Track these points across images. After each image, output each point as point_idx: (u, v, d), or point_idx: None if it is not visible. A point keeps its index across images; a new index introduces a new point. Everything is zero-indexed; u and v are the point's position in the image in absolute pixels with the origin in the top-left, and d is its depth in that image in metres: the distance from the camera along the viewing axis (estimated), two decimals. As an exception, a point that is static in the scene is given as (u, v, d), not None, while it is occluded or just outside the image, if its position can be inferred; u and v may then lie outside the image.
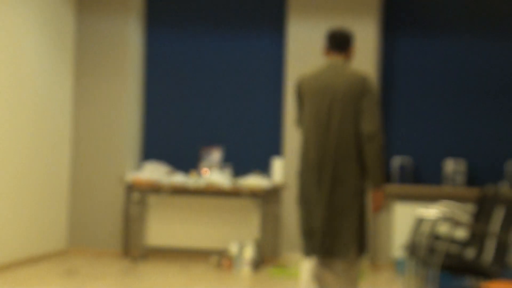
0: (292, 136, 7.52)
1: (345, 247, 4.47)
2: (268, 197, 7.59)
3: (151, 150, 7.95)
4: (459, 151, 7.55)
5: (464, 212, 6.32)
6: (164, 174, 7.53)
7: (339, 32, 4.66)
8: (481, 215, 5.85)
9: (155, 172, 7.51)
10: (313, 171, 4.52)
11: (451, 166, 7.37)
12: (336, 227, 4.49)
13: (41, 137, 7.19)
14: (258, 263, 7.12)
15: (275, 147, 7.73)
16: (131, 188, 7.53)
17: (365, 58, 7.37)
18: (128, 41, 7.74)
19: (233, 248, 7.01)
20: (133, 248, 7.69)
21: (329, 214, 4.49)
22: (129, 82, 7.76)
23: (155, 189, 7.51)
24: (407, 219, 7.17)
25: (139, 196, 7.73)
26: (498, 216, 5.41)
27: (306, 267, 4.61)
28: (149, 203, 7.66)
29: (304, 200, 4.58)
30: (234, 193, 7.48)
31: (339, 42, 4.65)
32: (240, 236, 7.48)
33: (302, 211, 4.59)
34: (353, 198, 4.50)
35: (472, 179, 7.48)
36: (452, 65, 7.61)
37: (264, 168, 7.67)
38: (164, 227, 7.61)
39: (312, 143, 4.54)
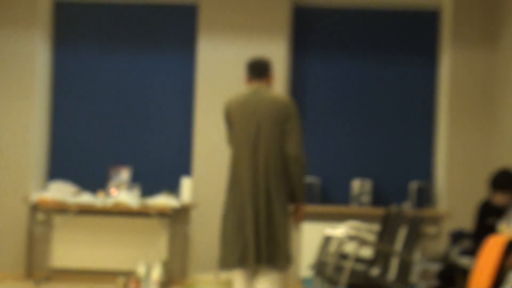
0: (201, 156, 7.51)
1: (280, 257, 4.82)
2: (177, 217, 7.54)
3: (58, 170, 7.79)
4: (366, 171, 7.70)
5: (370, 231, 6.44)
6: (71, 194, 7.38)
7: (258, 61, 5.03)
8: (386, 235, 5.97)
9: (61, 191, 7.36)
10: (247, 188, 4.85)
11: (358, 186, 7.52)
12: (273, 239, 4.82)
13: None
14: (166, 284, 7.06)
15: (184, 167, 7.70)
16: (35, 208, 7.34)
17: (275, 78, 7.45)
18: (35, 58, 7.59)
19: (141, 269, 6.92)
20: (37, 270, 7.50)
21: (265, 227, 4.81)
22: (35, 100, 7.60)
23: (61, 209, 7.35)
24: (314, 238, 7.25)
25: (44, 216, 7.55)
26: (401, 236, 5.54)
27: (237, 281, 4.77)
28: (54, 223, 7.49)
29: (236, 215, 4.88)
30: (142, 213, 7.40)
31: (259, 71, 5.02)
32: (148, 257, 7.40)
33: (233, 225, 4.88)
34: (283, 213, 4.86)
35: (378, 199, 7.64)
36: (358, 86, 7.77)
37: (173, 188, 7.63)
38: (70, 248, 7.45)
39: (244, 163, 4.88)
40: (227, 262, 4.86)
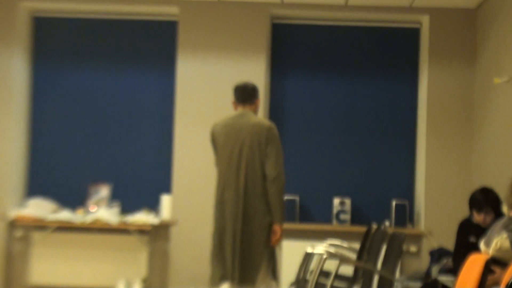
0: (181, 173, 7.49)
1: (254, 272, 5.16)
2: (157, 234, 7.50)
3: (37, 187, 7.73)
4: (346, 189, 7.71)
5: (350, 249, 6.44)
6: (49, 210, 7.32)
7: (245, 86, 5.41)
8: (367, 252, 5.98)
9: (39, 208, 7.29)
10: (229, 208, 5.20)
11: (338, 204, 7.52)
12: (246, 256, 5.16)
13: None
14: (145, 302, 7.01)
15: (164, 184, 7.67)
16: (13, 224, 7.27)
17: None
18: (13, 74, 7.54)
19: (120, 286, 6.87)
20: (15, 287, 7.41)
21: (241, 246, 5.15)
22: (13, 116, 7.54)
23: (40, 225, 7.29)
24: (295, 256, 7.23)
25: (22, 232, 7.48)
26: (382, 253, 5.55)
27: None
28: (33, 240, 7.42)
29: (219, 232, 5.24)
30: (121, 230, 7.36)
31: (245, 96, 5.39)
32: (127, 274, 7.34)
33: (216, 243, 5.25)
34: (259, 231, 5.19)
35: (358, 217, 7.64)
36: (338, 104, 7.79)
37: (153, 206, 7.59)
38: (48, 265, 7.38)
39: (227, 184, 5.21)
40: (213, 279, 5.23)
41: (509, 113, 6.22)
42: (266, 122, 5.39)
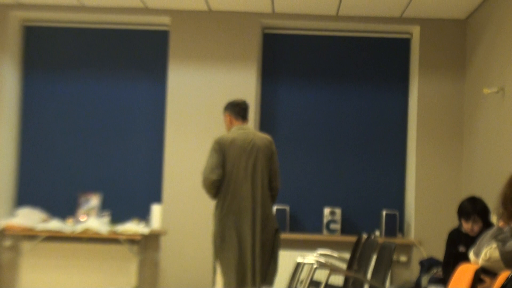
0: (171, 183, 7.48)
1: (273, 276, 5.56)
2: (147, 244, 7.48)
3: (27, 197, 7.70)
4: (337, 199, 7.71)
5: (340, 259, 6.44)
6: (39, 220, 7.29)
7: (244, 103, 5.77)
8: (357, 262, 5.98)
9: (29, 218, 7.26)
10: (247, 215, 5.49)
11: (328, 214, 7.52)
12: (267, 260, 5.53)
13: None
14: (135, 312, 6.98)
15: (154, 194, 7.65)
16: (2, 234, 7.24)
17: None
18: (4, 84, 7.52)
19: (110, 296, 6.84)
20: (3, 297, 7.37)
21: (261, 252, 5.47)
22: (3, 125, 7.52)
23: (29, 235, 7.25)
24: (285, 266, 7.22)
25: (11, 242, 7.44)
26: (371, 263, 5.55)
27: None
28: (22, 249, 7.38)
29: (236, 240, 5.47)
30: (111, 240, 7.33)
31: (245, 112, 5.77)
32: (117, 283, 7.31)
33: (234, 249, 5.46)
34: (271, 237, 5.58)
35: (349, 227, 7.65)
36: (329, 114, 7.81)
37: (143, 215, 7.57)
38: (38, 275, 7.34)
39: (244, 194, 5.51)
40: (229, 285, 5.46)
41: (499, 123, 6.25)
42: (268, 135, 5.78)
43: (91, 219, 7.23)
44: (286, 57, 7.84)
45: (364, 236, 6.22)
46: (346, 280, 5.94)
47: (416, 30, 7.60)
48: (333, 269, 5.41)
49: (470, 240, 5.14)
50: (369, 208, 7.68)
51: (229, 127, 5.77)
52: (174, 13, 7.58)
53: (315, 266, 5.32)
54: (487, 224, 5.27)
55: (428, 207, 7.38)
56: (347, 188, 7.74)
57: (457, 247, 5.41)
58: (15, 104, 7.70)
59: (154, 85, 7.78)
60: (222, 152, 5.53)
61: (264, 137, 5.71)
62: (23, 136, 7.79)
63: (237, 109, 5.74)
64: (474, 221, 5.29)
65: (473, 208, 5.31)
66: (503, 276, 3.38)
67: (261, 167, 5.58)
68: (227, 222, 5.49)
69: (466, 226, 5.34)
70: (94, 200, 7.51)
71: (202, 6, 7.46)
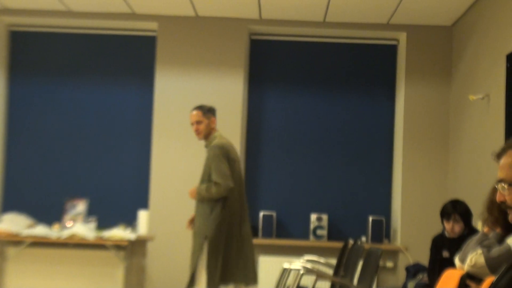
0: (158, 189, 7.47)
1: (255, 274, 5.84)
2: (133, 250, 7.46)
3: (13, 202, 7.67)
4: (323, 205, 7.73)
5: (327, 265, 6.45)
6: (25, 226, 7.25)
7: None
8: (343, 268, 5.99)
9: (14, 223, 7.22)
10: (245, 218, 5.78)
11: (315, 220, 7.53)
12: (252, 258, 5.84)
13: None
14: (121, 318, 6.95)
15: (141, 200, 7.64)
16: (-12, 240, 7.19)
17: (233, 112, 7.47)
18: (-9, 87, 7.51)
19: (96, 302, 6.81)
20: (-11, 303, 7.33)
21: (250, 248, 5.80)
22: (-9, 129, 7.50)
23: (15, 240, 7.22)
24: (272, 271, 7.23)
25: (-3, 248, 7.40)
26: (358, 269, 5.56)
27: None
28: (7, 255, 7.35)
29: (240, 239, 5.70)
30: (98, 245, 7.31)
31: None
32: (103, 290, 7.29)
33: (235, 247, 5.66)
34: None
35: (335, 233, 7.66)
36: (316, 120, 7.82)
37: (130, 221, 7.55)
38: (23, 281, 7.30)
39: (241, 200, 5.74)
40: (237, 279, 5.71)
41: (484, 129, 6.28)
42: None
43: (78, 225, 7.20)
44: (273, 63, 7.86)
45: (351, 242, 6.23)
46: (333, 286, 5.95)
47: (402, 37, 7.63)
48: (320, 275, 5.42)
49: (453, 245, 5.15)
50: (356, 214, 7.69)
51: (209, 132, 5.77)
52: (161, 19, 7.58)
53: (301, 272, 5.32)
54: (470, 228, 5.29)
55: (414, 213, 7.41)
56: (334, 194, 7.76)
57: (441, 252, 5.43)
58: (1, 109, 7.68)
59: (141, 91, 7.77)
60: (227, 158, 5.65)
61: None
62: (9, 141, 7.76)
63: (215, 115, 5.89)
64: (455, 220, 5.31)
65: (453, 208, 5.34)
66: (488, 282, 3.40)
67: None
68: (227, 226, 5.67)
69: (448, 227, 5.35)
70: (81, 206, 7.48)
71: (189, 12, 7.47)
